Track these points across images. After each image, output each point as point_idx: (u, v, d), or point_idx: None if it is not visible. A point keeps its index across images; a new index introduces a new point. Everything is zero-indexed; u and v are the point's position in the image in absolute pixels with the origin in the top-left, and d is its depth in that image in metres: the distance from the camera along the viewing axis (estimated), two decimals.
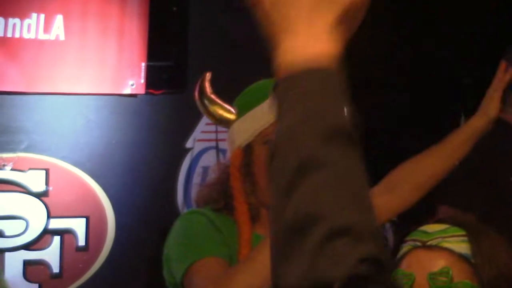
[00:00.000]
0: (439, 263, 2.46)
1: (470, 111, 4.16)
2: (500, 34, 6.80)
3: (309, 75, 1.32)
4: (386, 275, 1.25)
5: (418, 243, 2.53)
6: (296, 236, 1.24)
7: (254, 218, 3.36)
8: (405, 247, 2.57)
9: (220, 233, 3.33)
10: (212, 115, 3.62)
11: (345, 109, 1.31)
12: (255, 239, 3.32)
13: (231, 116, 3.52)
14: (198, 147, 5.28)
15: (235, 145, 3.48)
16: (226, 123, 3.57)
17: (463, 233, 2.49)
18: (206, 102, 3.61)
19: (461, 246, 2.49)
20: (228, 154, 3.70)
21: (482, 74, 5.06)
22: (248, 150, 3.35)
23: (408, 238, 2.59)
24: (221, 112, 3.58)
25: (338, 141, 1.29)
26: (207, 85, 3.62)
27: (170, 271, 3.36)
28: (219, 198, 3.37)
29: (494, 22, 7.21)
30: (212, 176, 3.67)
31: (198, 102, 3.64)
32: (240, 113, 3.48)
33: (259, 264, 2.98)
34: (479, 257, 2.46)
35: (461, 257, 2.46)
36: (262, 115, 3.36)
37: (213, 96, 3.60)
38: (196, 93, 3.61)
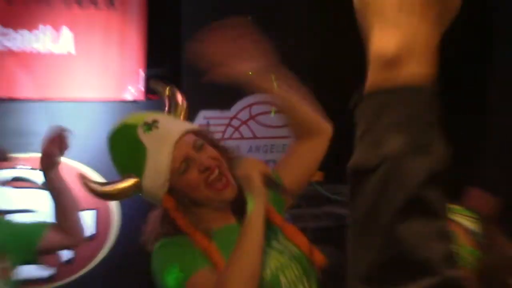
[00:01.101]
0: (457, 233, 2.74)
1: None
2: None
3: (376, 99, 1.33)
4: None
5: None
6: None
7: (207, 230, 3.34)
8: None
9: (191, 249, 3.32)
10: (117, 195, 3.61)
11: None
12: (220, 234, 3.34)
13: (131, 183, 3.40)
14: None
15: (160, 195, 3.37)
16: (130, 191, 3.44)
17: (477, 216, 2.80)
18: (104, 192, 3.53)
19: (471, 224, 2.78)
20: (158, 203, 3.48)
21: None
22: (172, 190, 3.29)
23: None
24: (120, 187, 3.46)
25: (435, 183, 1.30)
26: (86, 179, 3.46)
27: None
28: (170, 231, 3.31)
29: None
30: (151, 220, 3.47)
31: (100, 197, 3.60)
32: (136, 174, 3.37)
33: (242, 260, 3.16)
34: (486, 236, 2.76)
35: (469, 231, 2.75)
36: (158, 160, 3.34)
37: (101, 187, 3.54)
38: (92, 192, 3.44)
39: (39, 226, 4.34)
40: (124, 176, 3.31)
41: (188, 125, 3.44)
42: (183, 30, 6.07)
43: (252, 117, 6.36)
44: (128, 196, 3.37)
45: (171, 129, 3.36)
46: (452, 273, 1.25)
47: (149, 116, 3.37)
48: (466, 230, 2.71)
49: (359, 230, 1.34)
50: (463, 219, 2.76)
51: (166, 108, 3.50)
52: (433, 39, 1.29)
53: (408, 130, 1.28)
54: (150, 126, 3.33)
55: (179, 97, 3.55)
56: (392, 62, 1.27)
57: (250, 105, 6.30)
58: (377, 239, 1.28)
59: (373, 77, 1.29)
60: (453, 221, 2.73)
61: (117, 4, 5.81)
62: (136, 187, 3.25)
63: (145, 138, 3.25)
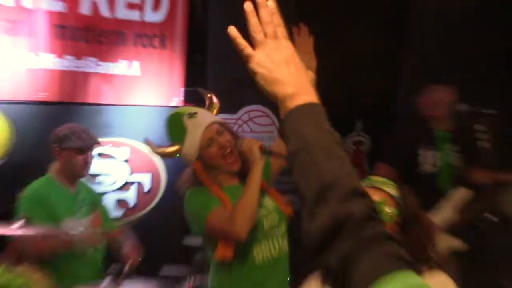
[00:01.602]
0: (380, 196, 2.93)
1: None
2: None
3: (292, 115, 1.59)
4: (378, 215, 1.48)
5: (369, 184, 2.99)
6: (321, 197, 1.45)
7: (220, 185, 3.87)
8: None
9: (210, 194, 3.81)
10: (166, 156, 4.13)
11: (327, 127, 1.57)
12: (229, 190, 3.87)
13: (175, 149, 3.97)
14: None
15: (192, 159, 3.88)
16: (174, 154, 3.95)
17: (394, 184, 2.98)
18: (158, 152, 4.10)
19: (392, 190, 2.96)
20: (191, 164, 3.95)
21: None
22: (200, 157, 3.82)
23: (363, 181, 3.01)
24: (169, 151, 4.01)
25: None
26: (150, 143, 4.12)
27: (196, 226, 3.87)
28: (199, 183, 3.82)
29: None
30: (185, 175, 4.01)
31: (156, 154, 4.19)
32: (179, 144, 3.93)
33: (248, 202, 3.65)
34: (402, 199, 2.94)
35: (392, 196, 2.94)
36: (191, 139, 3.88)
37: (158, 149, 4.12)
38: (152, 151, 4.12)
39: None
40: (172, 144, 3.92)
41: (215, 118, 3.95)
42: (208, 62, 6.51)
43: (250, 119, 6.70)
44: (173, 156, 3.98)
45: (204, 119, 3.85)
46: (380, 226, 1.43)
47: (193, 109, 3.95)
48: (389, 195, 2.93)
49: (307, 208, 1.49)
50: (386, 187, 2.96)
51: (206, 106, 4.05)
52: (309, 83, 1.64)
53: (316, 126, 1.55)
54: (191, 115, 3.87)
55: (215, 100, 4.06)
56: (292, 95, 1.59)
57: (248, 111, 6.68)
58: (321, 214, 1.43)
59: (283, 110, 1.60)
60: (379, 188, 2.96)
61: (167, 44, 6.22)
62: (178, 152, 3.87)
63: (187, 122, 3.86)
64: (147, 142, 4.07)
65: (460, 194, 5.08)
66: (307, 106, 1.57)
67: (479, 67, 6.53)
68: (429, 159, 5.43)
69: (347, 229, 1.39)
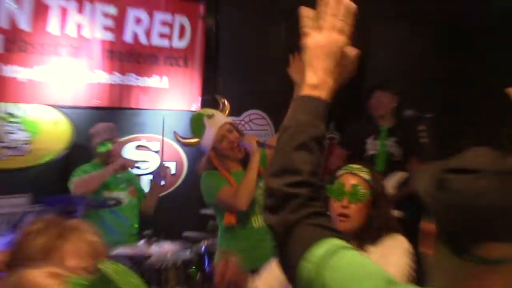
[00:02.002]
0: (356, 180, 2.83)
1: None
2: None
3: (305, 100, 1.52)
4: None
5: (348, 171, 2.89)
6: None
7: (228, 170, 4.05)
8: (341, 171, 2.91)
9: (221, 176, 4.00)
10: (189, 145, 4.33)
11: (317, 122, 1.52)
12: (234, 174, 4.05)
13: (196, 140, 4.13)
14: None
15: (208, 149, 4.04)
16: (195, 144, 4.14)
17: (368, 170, 2.88)
18: (183, 142, 4.31)
19: (366, 175, 2.85)
20: (207, 153, 4.11)
21: None
22: (214, 148, 4.00)
23: (342, 167, 2.94)
24: (191, 141, 4.23)
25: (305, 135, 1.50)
26: (178, 135, 4.36)
27: (209, 199, 4.04)
28: (212, 168, 4.01)
29: None
30: (202, 161, 4.17)
31: (181, 143, 4.44)
32: (199, 137, 4.08)
33: (248, 182, 3.86)
34: (373, 182, 2.85)
35: (365, 180, 2.84)
36: (208, 135, 4.01)
37: (183, 140, 4.34)
38: (179, 140, 4.38)
39: None
40: (194, 137, 4.14)
41: (227, 119, 4.15)
42: (219, 77, 6.50)
43: (250, 120, 6.73)
44: (194, 146, 4.22)
45: (219, 120, 4.07)
46: (317, 206, 1.44)
47: (211, 111, 4.15)
48: (364, 179, 2.84)
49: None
50: (361, 173, 2.87)
51: (220, 107, 4.22)
52: (333, 83, 1.53)
53: (308, 111, 1.50)
54: (210, 116, 4.09)
55: (226, 103, 4.27)
56: (313, 86, 1.51)
57: (249, 115, 6.71)
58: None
59: (300, 90, 1.54)
60: (356, 174, 2.86)
61: (189, 64, 6.29)
62: (198, 143, 4.11)
63: (206, 121, 4.03)
64: (176, 134, 4.30)
65: (398, 176, 5.22)
66: (316, 99, 1.51)
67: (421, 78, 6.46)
68: (372, 147, 5.60)
69: (292, 205, 1.42)
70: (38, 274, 1.06)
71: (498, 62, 5.80)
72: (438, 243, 1.37)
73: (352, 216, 2.77)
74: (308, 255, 1.35)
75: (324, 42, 1.53)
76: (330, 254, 1.34)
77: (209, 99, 6.13)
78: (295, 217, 1.42)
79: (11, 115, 5.26)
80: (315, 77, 1.53)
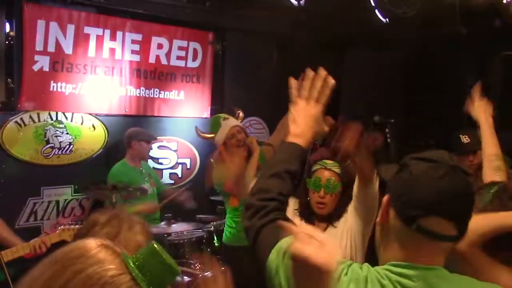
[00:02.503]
0: (330, 174, 2.77)
1: None
2: None
3: (287, 145, 1.63)
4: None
5: (323, 166, 2.82)
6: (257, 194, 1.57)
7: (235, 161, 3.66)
8: (316, 166, 2.84)
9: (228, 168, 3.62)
10: (206, 139, 4.34)
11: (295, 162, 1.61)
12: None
13: (212, 136, 4.16)
14: None
15: (220, 143, 4.06)
16: (211, 138, 4.14)
17: (338, 165, 2.79)
18: (202, 136, 4.35)
19: (338, 169, 2.78)
20: (218, 147, 4.11)
21: None
22: (225, 144, 4.00)
23: (317, 163, 2.86)
24: (208, 136, 4.25)
25: (285, 174, 1.60)
26: (199, 131, 4.42)
27: (218, 187, 4.08)
28: (222, 160, 3.87)
29: None
30: (216, 153, 4.19)
31: (200, 137, 4.41)
32: (214, 133, 4.10)
33: (250, 172, 3.68)
34: (343, 175, 2.77)
35: (337, 173, 2.78)
36: (222, 132, 4.05)
37: (202, 134, 4.36)
38: (198, 134, 4.40)
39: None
40: (210, 132, 4.16)
41: (238, 123, 4.18)
42: (225, 91, 6.44)
43: (250, 125, 6.59)
44: (210, 140, 4.21)
45: (231, 122, 4.12)
46: (280, 214, 1.53)
47: (226, 116, 4.19)
48: (336, 173, 2.78)
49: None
50: (334, 168, 2.79)
51: (236, 115, 4.33)
52: (310, 136, 1.65)
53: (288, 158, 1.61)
54: (225, 118, 4.17)
55: (242, 114, 4.36)
56: (295, 136, 1.64)
57: (249, 120, 6.54)
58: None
59: (287, 137, 1.65)
60: (329, 169, 2.79)
61: (200, 81, 6.25)
62: (213, 138, 4.11)
63: (222, 122, 4.09)
64: (197, 129, 4.38)
65: None
66: (295, 145, 1.65)
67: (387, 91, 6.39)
68: None
69: (260, 213, 1.54)
70: (91, 242, 1.01)
71: (448, 81, 5.95)
72: (392, 215, 1.44)
73: (327, 204, 2.77)
74: (270, 255, 1.44)
75: (304, 108, 1.67)
76: (284, 254, 1.40)
77: (217, 109, 6.17)
78: (263, 221, 1.52)
79: (58, 121, 5.30)
80: (298, 129, 1.67)
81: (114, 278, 0.96)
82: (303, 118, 1.68)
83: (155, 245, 1.02)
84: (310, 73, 1.68)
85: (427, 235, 1.36)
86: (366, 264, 1.47)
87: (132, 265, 1.00)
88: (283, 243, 1.41)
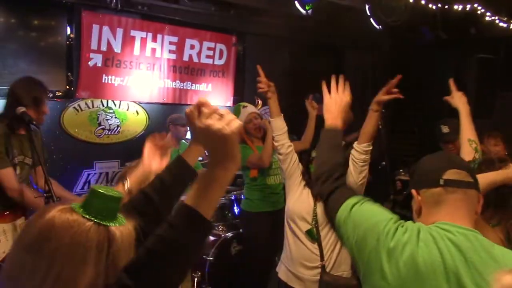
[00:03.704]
0: None
1: None
2: None
3: (328, 128, 1.71)
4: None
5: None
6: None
7: (252, 142, 3.99)
8: (314, 152, 2.72)
9: (249, 147, 3.94)
10: None
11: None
12: (257, 147, 4.01)
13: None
14: None
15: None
16: None
17: None
18: None
19: None
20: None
21: None
22: (244, 127, 3.95)
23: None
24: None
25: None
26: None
27: (241, 162, 3.80)
28: (242, 141, 3.92)
29: None
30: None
31: None
32: (237, 116, 3.73)
33: (268, 149, 3.78)
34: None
35: None
36: (241, 118, 4.00)
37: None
38: None
39: None
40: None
41: (255, 109, 4.22)
42: (246, 84, 6.29)
43: (265, 113, 5.72)
44: None
45: (250, 109, 4.11)
46: (344, 180, 1.61)
47: (246, 104, 4.18)
48: None
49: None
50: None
51: (256, 104, 4.40)
52: (342, 120, 1.74)
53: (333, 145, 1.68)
54: (244, 106, 4.16)
55: (260, 102, 4.46)
56: (333, 118, 1.74)
57: (264, 109, 6.05)
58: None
59: (326, 123, 1.73)
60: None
61: (225, 75, 6.15)
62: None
63: (242, 109, 4.10)
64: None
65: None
66: (334, 127, 1.76)
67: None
68: None
69: (330, 179, 1.63)
70: (53, 212, 1.04)
71: (429, 79, 5.84)
72: (421, 195, 1.51)
73: None
74: (340, 209, 1.52)
75: (335, 99, 1.81)
76: (353, 205, 1.50)
77: (238, 98, 6.09)
78: (331, 187, 1.60)
79: (109, 108, 5.26)
80: (332, 116, 1.79)
81: (78, 226, 1.01)
82: (335, 107, 1.78)
83: (93, 187, 1.06)
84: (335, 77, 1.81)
85: (454, 185, 1.39)
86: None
87: (78, 209, 1.04)
88: (350, 200, 1.51)
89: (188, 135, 5.52)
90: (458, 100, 2.49)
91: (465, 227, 1.38)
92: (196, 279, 3.82)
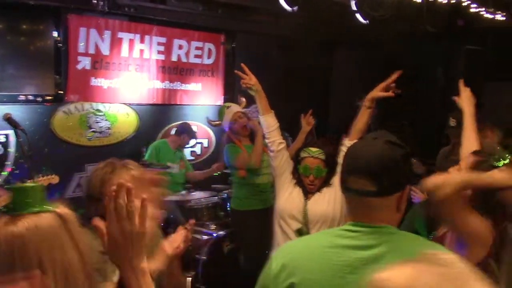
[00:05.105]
0: (317, 162, 2.66)
1: None
2: None
3: None
4: None
5: (310, 155, 2.69)
6: None
7: (240, 142, 3.96)
8: (303, 154, 2.71)
9: (237, 147, 3.93)
10: (216, 125, 4.39)
11: None
12: (245, 146, 3.97)
13: (219, 122, 4.16)
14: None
15: (227, 127, 4.02)
16: (219, 125, 4.13)
17: (323, 151, 2.65)
18: (212, 123, 4.36)
19: (322, 156, 2.65)
20: (226, 131, 4.04)
21: None
22: (230, 128, 3.96)
23: (304, 150, 2.73)
24: (217, 123, 4.23)
25: None
26: (209, 120, 4.47)
27: (229, 162, 3.99)
28: (230, 141, 3.95)
29: None
30: (225, 136, 4.07)
31: (210, 124, 4.39)
32: (221, 120, 4.09)
33: (258, 148, 3.79)
34: (327, 159, 2.65)
35: (322, 160, 2.66)
36: (226, 119, 4.02)
37: (212, 122, 4.36)
38: (208, 122, 4.41)
39: None
40: (219, 120, 4.13)
41: (239, 109, 4.08)
42: (236, 83, 5.85)
43: (256, 111, 5.10)
44: (219, 126, 4.25)
45: (234, 109, 4.04)
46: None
47: (229, 104, 4.15)
48: (321, 159, 2.67)
49: None
50: (319, 155, 2.68)
51: (239, 103, 4.19)
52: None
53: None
54: (227, 107, 4.11)
55: (244, 101, 4.19)
56: None
57: (255, 107, 4.98)
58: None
59: None
60: (315, 157, 2.68)
61: (215, 75, 6.19)
62: (221, 124, 4.07)
63: (226, 110, 4.06)
64: (207, 119, 4.50)
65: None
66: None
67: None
68: None
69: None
70: None
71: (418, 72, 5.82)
72: (341, 184, 1.41)
73: (316, 184, 2.73)
74: None
75: None
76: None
77: (228, 98, 6.10)
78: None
79: (99, 110, 5.28)
80: None
81: (13, 226, 1.03)
82: None
83: (13, 186, 1.08)
84: None
85: (351, 192, 1.34)
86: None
87: (3, 209, 1.06)
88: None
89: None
90: (465, 100, 2.40)
91: (375, 225, 1.34)
92: (189, 278, 3.83)
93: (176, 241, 1.77)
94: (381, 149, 1.33)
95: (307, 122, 3.93)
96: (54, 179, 3.54)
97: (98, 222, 1.00)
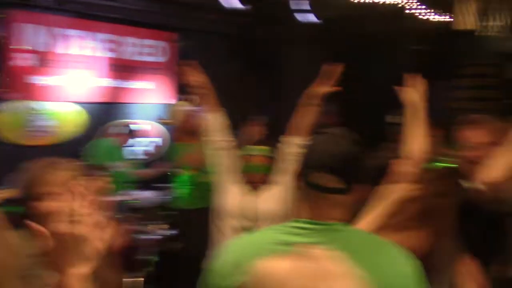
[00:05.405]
0: (261, 160, 2.68)
1: None
2: None
3: None
4: None
5: (256, 152, 2.70)
6: None
7: (190, 141, 3.84)
8: (250, 150, 2.71)
9: (183, 145, 3.89)
10: (167, 124, 4.44)
11: None
12: (191, 145, 3.84)
13: (170, 121, 4.25)
14: None
15: (176, 125, 4.05)
16: (170, 123, 4.21)
17: (266, 149, 2.69)
18: (163, 122, 4.58)
19: (266, 153, 2.69)
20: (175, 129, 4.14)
21: None
22: (178, 126, 4.03)
23: (250, 147, 2.73)
24: (168, 122, 4.39)
25: None
26: (160, 120, 4.59)
27: (176, 160, 3.93)
28: (177, 139, 4.00)
29: None
30: (173, 134, 4.16)
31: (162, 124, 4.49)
32: (171, 119, 4.13)
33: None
34: (272, 155, 2.67)
35: (266, 157, 2.68)
36: (176, 118, 4.05)
37: (163, 121, 4.49)
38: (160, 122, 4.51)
39: None
40: (170, 119, 4.18)
41: (187, 108, 4.04)
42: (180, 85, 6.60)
43: None
44: (171, 125, 4.32)
45: (185, 107, 4.04)
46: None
47: (180, 103, 4.27)
48: (264, 157, 2.68)
49: None
50: (262, 152, 2.69)
51: (191, 101, 4.01)
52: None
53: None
54: (179, 105, 4.16)
55: (195, 99, 3.56)
56: None
57: None
58: None
59: None
60: (260, 156, 2.68)
61: (168, 73, 6.13)
62: (172, 123, 4.11)
63: (176, 109, 4.11)
64: (159, 118, 4.69)
65: None
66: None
67: None
68: None
69: None
70: None
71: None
72: (300, 179, 1.36)
73: (263, 182, 2.75)
74: None
75: None
76: None
77: (181, 97, 5.84)
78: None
79: (44, 109, 5.19)
80: None
81: None
82: None
83: None
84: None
85: (315, 188, 1.31)
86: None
87: None
88: None
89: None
90: (414, 92, 2.25)
91: (325, 222, 1.33)
92: (140, 279, 3.77)
93: (107, 235, 1.75)
94: (347, 145, 1.33)
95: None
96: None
97: (36, 225, 0.96)
